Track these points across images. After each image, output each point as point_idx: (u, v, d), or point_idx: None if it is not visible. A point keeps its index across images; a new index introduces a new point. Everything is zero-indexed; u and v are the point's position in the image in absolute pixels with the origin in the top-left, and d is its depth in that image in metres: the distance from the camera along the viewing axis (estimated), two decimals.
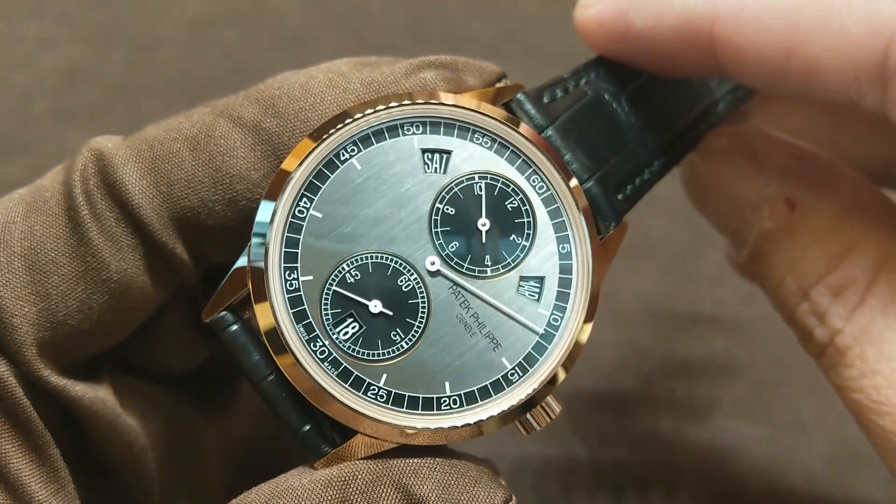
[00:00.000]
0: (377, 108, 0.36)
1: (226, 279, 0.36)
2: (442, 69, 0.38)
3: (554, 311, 0.36)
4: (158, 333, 0.40)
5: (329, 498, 0.33)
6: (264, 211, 0.35)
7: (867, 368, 0.38)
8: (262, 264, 0.35)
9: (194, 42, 0.81)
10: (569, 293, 0.37)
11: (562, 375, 0.36)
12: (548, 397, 0.36)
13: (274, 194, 0.35)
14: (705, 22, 0.38)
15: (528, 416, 0.36)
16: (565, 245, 0.37)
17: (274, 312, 0.35)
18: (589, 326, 0.37)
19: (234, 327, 0.36)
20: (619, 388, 0.62)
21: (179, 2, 0.83)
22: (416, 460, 0.35)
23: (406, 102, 0.36)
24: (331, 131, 0.36)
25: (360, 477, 0.34)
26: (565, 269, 0.37)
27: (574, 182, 0.37)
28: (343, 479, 0.34)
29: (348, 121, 0.36)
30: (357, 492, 0.33)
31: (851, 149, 0.48)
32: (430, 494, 0.34)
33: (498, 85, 0.39)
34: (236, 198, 0.37)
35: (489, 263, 0.36)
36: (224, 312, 0.36)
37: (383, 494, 0.33)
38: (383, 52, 0.41)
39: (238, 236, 0.37)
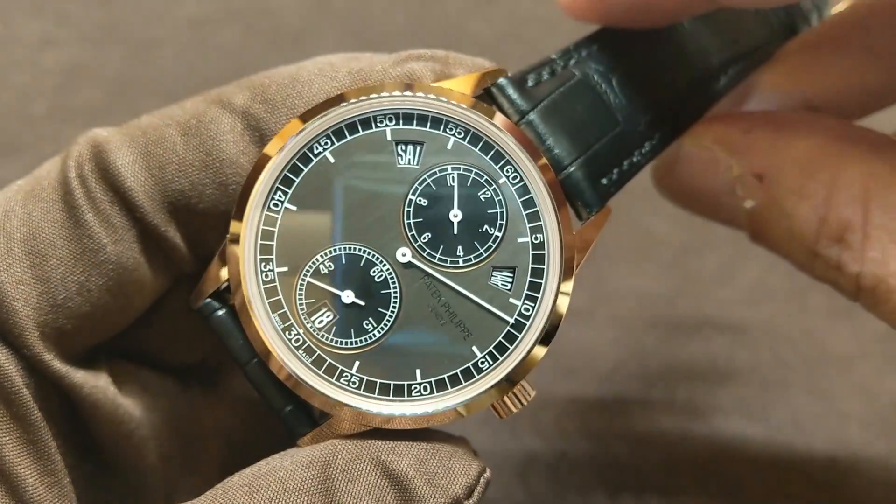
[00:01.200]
0: (350, 102, 0.36)
1: (210, 265, 0.37)
2: (431, 61, 0.38)
3: (525, 301, 0.36)
4: (160, 323, 0.40)
5: (311, 477, 0.34)
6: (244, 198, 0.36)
7: None
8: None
9: (194, 42, 0.81)
10: (541, 283, 0.37)
11: (539, 354, 0.36)
12: (522, 381, 0.36)
13: (249, 185, 0.36)
14: None
15: (503, 399, 0.36)
16: (538, 235, 0.37)
17: (249, 302, 0.36)
18: (565, 306, 0.37)
19: (221, 312, 0.37)
20: (619, 388, 0.62)
21: (179, 2, 0.83)
22: (394, 439, 0.35)
23: (378, 95, 0.36)
24: (305, 125, 0.36)
25: (340, 456, 0.35)
26: (538, 260, 0.37)
27: (547, 167, 0.37)
28: (324, 458, 0.34)
29: (322, 114, 0.36)
30: (338, 470, 0.34)
31: (879, 85, 0.47)
32: (408, 469, 0.34)
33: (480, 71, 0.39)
34: (226, 182, 0.37)
35: (461, 254, 0.37)
36: (210, 299, 0.37)
37: (363, 472, 0.34)
38: (383, 52, 0.41)
39: (229, 223, 0.37)
